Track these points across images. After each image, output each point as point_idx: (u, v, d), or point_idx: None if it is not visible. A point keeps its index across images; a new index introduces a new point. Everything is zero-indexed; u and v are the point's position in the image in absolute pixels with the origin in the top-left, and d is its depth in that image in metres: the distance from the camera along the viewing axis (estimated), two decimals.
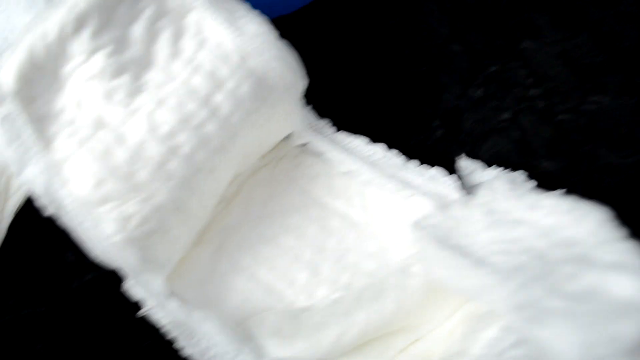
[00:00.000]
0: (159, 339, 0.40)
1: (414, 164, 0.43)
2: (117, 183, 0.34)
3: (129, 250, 0.34)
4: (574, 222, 0.27)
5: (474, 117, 0.53)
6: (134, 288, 0.38)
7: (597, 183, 0.49)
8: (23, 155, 0.34)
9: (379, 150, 0.43)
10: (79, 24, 0.36)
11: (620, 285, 0.23)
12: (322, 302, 0.38)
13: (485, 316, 0.29)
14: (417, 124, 0.52)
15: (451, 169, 0.46)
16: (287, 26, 0.49)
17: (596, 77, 0.55)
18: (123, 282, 0.39)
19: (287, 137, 0.46)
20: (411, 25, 0.58)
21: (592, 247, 0.26)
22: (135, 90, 0.36)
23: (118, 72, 0.36)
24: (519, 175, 0.43)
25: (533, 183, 0.42)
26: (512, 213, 0.30)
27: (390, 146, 0.46)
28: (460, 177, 0.44)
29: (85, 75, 0.36)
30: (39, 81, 0.36)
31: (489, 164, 0.46)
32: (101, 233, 0.34)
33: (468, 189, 0.41)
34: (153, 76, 0.36)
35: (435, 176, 0.42)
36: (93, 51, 0.36)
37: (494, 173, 0.42)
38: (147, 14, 0.37)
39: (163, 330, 0.39)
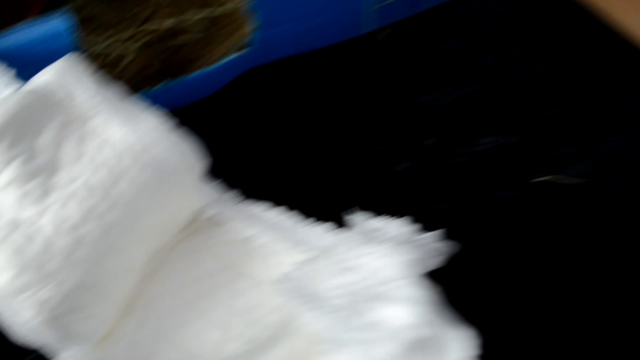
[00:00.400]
0: None
1: (309, 221, 0.49)
2: (31, 274, 0.39)
3: (48, 331, 0.39)
4: (386, 265, 0.32)
5: (373, 169, 0.58)
6: None
7: (487, 217, 0.54)
8: None
9: (278, 214, 0.49)
10: None
11: (397, 316, 0.29)
12: (231, 357, 0.43)
13: None
14: (322, 181, 0.58)
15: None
16: (196, 113, 0.56)
17: (485, 120, 0.61)
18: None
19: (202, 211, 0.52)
20: (311, 92, 0.65)
21: (392, 285, 0.31)
22: (45, 191, 0.42)
23: (30, 177, 0.42)
24: (405, 221, 0.48)
25: (416, 226, 0.48)
26: (350, 260, 0.35)
27: (297, 205, 0.51)
28: (352, 227, 0.49)
29: (1, 183, 0.42)
30: None
31: (389, 211, 0.51)
32: (21, 319, 0.39)
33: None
34: (61, 177, 0.42)
35: (323, 230, 0.47)
36: (9, 161, 0.42)
37: (382, 222, 0.47)
38: (55, 123, 0.44)
39: None
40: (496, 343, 0.31)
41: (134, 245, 0.44)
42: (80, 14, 0.69)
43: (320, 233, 0.47)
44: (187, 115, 0.63)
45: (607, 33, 0.69)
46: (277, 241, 0.47)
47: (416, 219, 0.50)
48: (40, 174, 0.42)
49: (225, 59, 0.65)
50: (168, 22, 0.71)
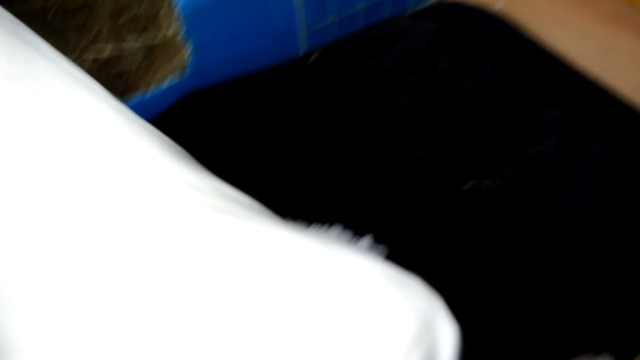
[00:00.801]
0: None
1: None
2: None
3: None
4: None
5: (313, 181, 0.60)
6: None
7: (419, 221, 0.56)
8: None
9: None
10: None
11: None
12: None
13: None
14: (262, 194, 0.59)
15: None
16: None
17: (416, 131, 0.64)
18: None
19: None
20: (254, 111, 0.67)
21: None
22: None
23: None
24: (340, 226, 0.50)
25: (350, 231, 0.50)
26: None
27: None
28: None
29: None
30: None
31: (321, 218, 0.53)
32: None
33: None
34: None
35: None
36: None
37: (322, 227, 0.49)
38: None
39: None
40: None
41: None
42: None
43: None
44: None
45: (528, 45, 0.73)
46: None
47: (351, 225, 0.52)
48: None
49: (163, 85, 0.67)
50: (108, 50, 0.72)
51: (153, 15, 0.71)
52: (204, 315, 0.30)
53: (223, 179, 0.41)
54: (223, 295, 0.30)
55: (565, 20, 0.81)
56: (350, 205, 0.58)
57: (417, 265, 0.53)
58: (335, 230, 0.47)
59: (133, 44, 0.73)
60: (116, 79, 0.71)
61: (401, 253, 0.52)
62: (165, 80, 0.68)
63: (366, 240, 0.47)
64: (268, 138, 0.64)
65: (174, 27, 0.69)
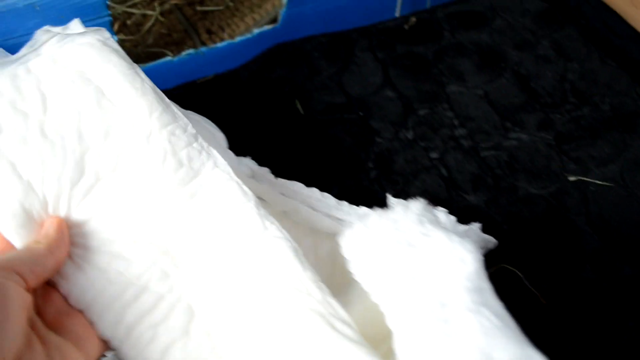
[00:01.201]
0: None
1: (345, 203, 0.47)
2: None
3: None
4: (454, 247, 0.31)
5: (404, 158, 0.57)
6: None
7: (517, 213, 0.53)
8: None
9: (315, 193, 0.47)
10: None
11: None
12: None
13: None
14: (353, 166, 0.56)
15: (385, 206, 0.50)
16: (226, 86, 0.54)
17: (515, 115, 0.60)
18: None
19: None
20: (346, 75, 0.63)
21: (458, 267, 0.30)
22: None
23: None
24: (442, 210, 0.47)
25: (454, 217, 0.47)
26: (408, 234, 0.33)
27: (329, 188, 0.50)
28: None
29: None
30: None
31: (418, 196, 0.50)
32: None
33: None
34: None
35: (366, 213, 0.45)
36: None
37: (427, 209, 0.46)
38: None
39: None
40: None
41: None
42: None
43: (362, 213, 0.45)
44: (209, 87, 0.61)
45: (635, 38, 0.69)
46: (315, 218, 0.45)
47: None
48: None
49: (251, 32, 0.63)
50: None
51: None
52: None
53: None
54: None
55: None
56: (445, 188, 0.55)
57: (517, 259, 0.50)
58: (443, 213, 0.43)
59: None
60: (202, 19, 0.67)
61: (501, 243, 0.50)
62: (257, 26, 0.64)
63: (476, 228, 0.44)
64: (361, 99, 0.61)
65: None
